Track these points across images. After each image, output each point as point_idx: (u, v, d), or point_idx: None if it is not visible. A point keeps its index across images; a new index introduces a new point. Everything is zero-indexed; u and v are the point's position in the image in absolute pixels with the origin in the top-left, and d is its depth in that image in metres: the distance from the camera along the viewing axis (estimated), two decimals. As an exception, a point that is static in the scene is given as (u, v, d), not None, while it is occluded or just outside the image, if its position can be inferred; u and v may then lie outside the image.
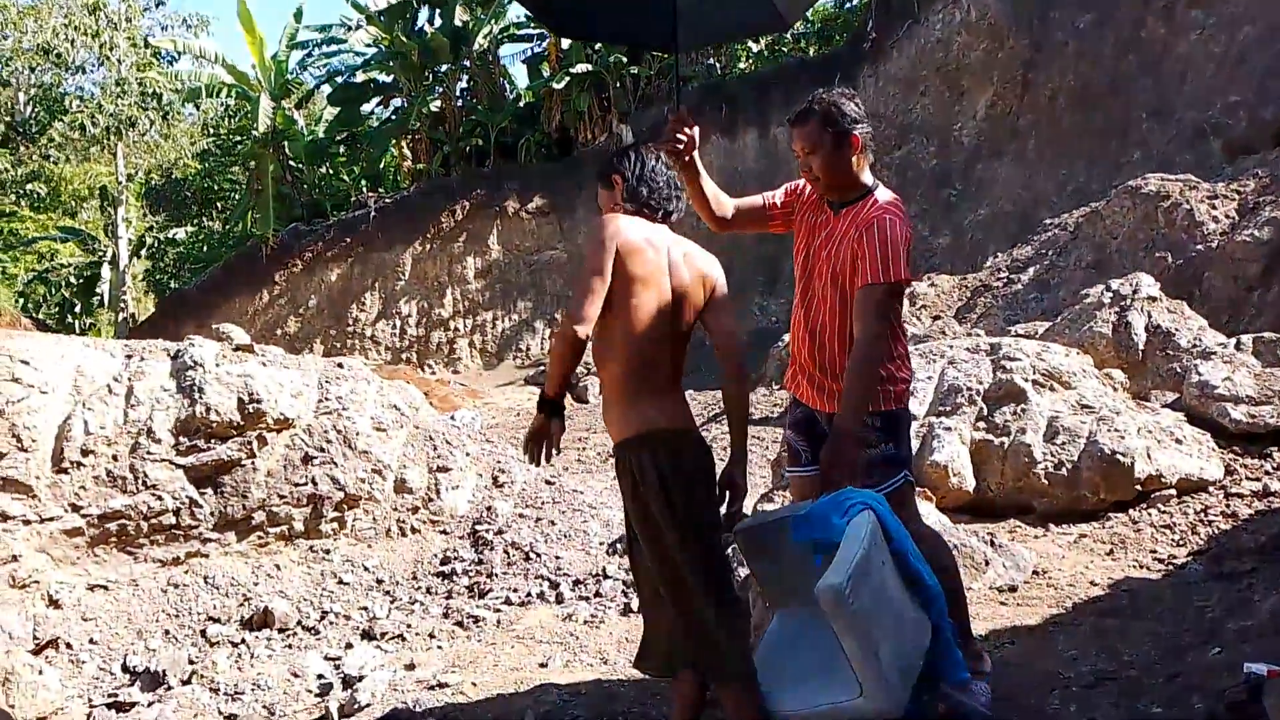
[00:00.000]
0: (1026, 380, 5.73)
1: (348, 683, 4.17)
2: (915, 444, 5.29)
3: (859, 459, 2.88)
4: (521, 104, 24.37)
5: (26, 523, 4.81)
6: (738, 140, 20.41)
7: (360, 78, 24.44)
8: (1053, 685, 3.23)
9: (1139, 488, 5.17)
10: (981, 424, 5.61)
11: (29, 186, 29.68)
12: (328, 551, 5.36)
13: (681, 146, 3.12)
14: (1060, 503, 5.27)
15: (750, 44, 22.73)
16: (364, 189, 25.03)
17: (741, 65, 23.41)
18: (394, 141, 24.96)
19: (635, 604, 4.83)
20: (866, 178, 3.06)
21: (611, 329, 2.66)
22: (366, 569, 5.33)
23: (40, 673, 4.29)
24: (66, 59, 26.71)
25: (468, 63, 23.76)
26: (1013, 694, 3.15)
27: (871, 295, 2.86)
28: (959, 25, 17.88)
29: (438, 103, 24.18)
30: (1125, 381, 6.22)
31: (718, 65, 23.08)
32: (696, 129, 3.17)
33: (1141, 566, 4.57)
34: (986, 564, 4.45)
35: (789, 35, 22.49)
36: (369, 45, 23.66)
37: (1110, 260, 9.70)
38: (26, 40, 27.19)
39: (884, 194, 3.07)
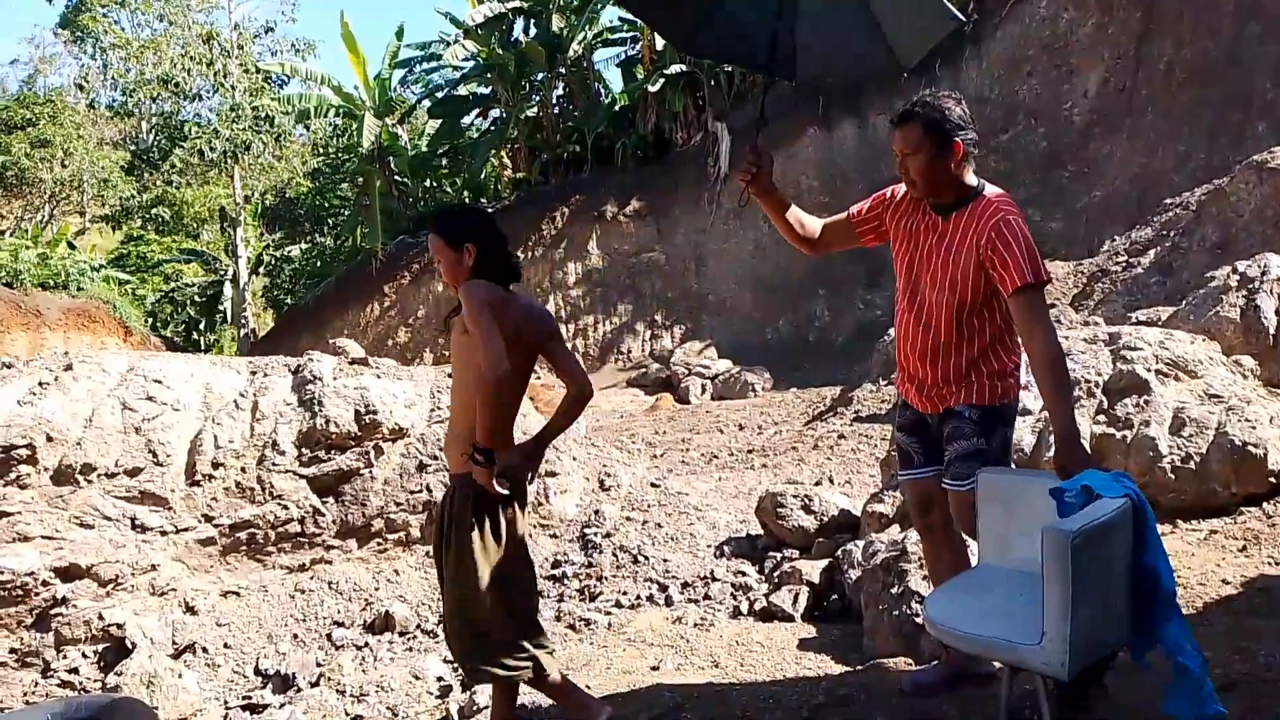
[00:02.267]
0: (1149, 370, 5.49)
1: (466, 685, 4.28)
2: (1032, 439, 5.13)
3: (989, 447, 2.96)
4: (617, 108, 24.57)
5: (164, 533, 5.09)
6: (835, 131, 20.12)
7: (459, 91, 25.05)
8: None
9: (1273, 480, 4.89)
10: (1102, 417, 5.40)
11: (154, 211, 31.41)
12: (443, 557, 5.50)
13: (751, 178, 3.12)
14: (1188, 498, 5.03)
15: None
16: (467, 200, 25.60)
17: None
18: (494, 152, 25.47)
19: (745, 607, 4.83)
20: (971, 179, 2.98)
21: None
22: (480, 573, 5.46)
23: (180, 676, 4.54)
24: (185, 88, 28.18)
25: (563, 70, 24.08)
26: (1141, 697, 3.03)
27: (1033, 296, 2.82)
28: (1066, 1, 17.23)
29: (535, 111, 24.58)
30: (1256, 368, 5.89)
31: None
32: (770, 160, 3.16)
33: (1277, 564, 4.33)
34: (1110, 563, 4.29)
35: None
36: (467, 59, 24.22)
37: (1236, 240, 9.21)
38: (148, 72, 28.79)
39: (993, 191, 2.99)
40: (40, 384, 5.27)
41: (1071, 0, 17.11)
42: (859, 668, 3.84)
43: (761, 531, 5.60)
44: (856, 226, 3.27)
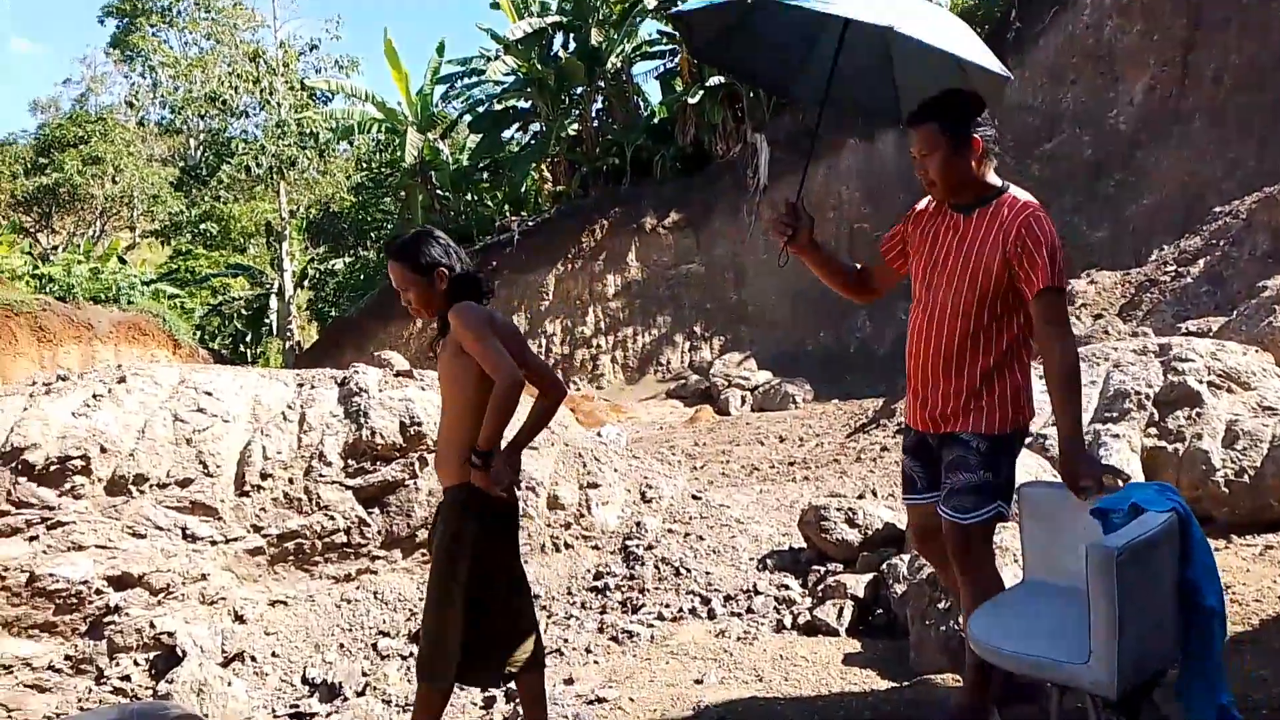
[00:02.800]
0: (1201, 382, 5.39)
1: (510, 696, 4.29)
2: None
3: (994, 480, 2.86)
4: (656, 120, 24.66)
5: (213, 543, 5.18)
6: (876, 143, 20.02)
7: (500, 106, 25.28)
8: (1240, 707, 3.02)
9: (1333, 495, 4.78)
10: (1153, 430, 5.32)
11: (202, 226, 32.02)
12: (486, 568, 5.53)
13: (790, 237, 3.11)
14: (1243, 512, 4.93)
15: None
16: (507, 213, 25.81)
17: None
18: (534, 165, 25.66)
19: (788, 621, 4.80)
20: (993, 179, 2.92)
21: (482, 394, 2.93)
22: (523, 584, 5.48)
23: (229, 684, 4.61)
24: (232, 105, 28.75)
25: (602, 83, 24.22)
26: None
27: (1054, 301, 2.76)
28: (1110, 8, 17.01)
29: (575, 125, 24.75)
30: (1313, 380, 5.77)
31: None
32: (809, 219, 3.14)
33: (1339, 581, 4.22)
34: (1163, 579, 4.20)
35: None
36: (508, 74, 24.44)
37: (1290, 249, 9.02)
38: (196, 90, 29.41)
39: (1020, 192, 2.92)
40: (95, 396, 5.39)
41: (1116, 8, 16.89)
42: (905, 684, 3.80)
43: (804, 545, 5.57)
44: (886, 255, 3.21)
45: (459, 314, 2.94)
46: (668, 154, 23.27)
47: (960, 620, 3.18)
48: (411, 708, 3.13)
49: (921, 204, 3.11)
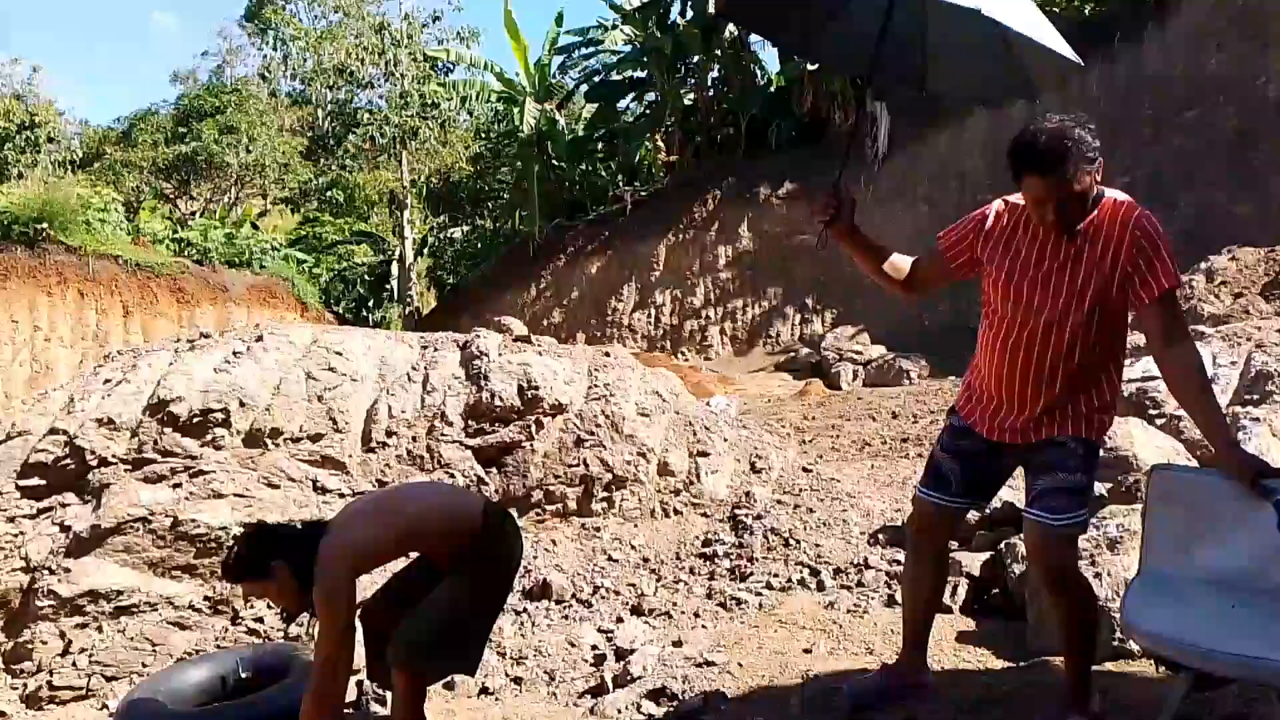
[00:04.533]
0: (1353, 365, 5.07)
1: (620, 655, 4.38)
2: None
3: (1089, 485, 2.84)
4: (773, 89, 24.30)
5: (341, 495, 5.41)
6: (1006, 109, 19.29)
7: (616, 76, 25.34)
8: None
9: None
10: (1301, 414, 5.03)
11: (329, 194, 33.20)
12: (598, 529, 5.64)
13: (830, 220, 3.03)
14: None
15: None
16: (620, 184, 25.91)
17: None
18: (648, 135, 25.66)
19: (899, 595, 4.75)
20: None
21: None
22: (634, 547, 5.57)
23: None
24: (358, 76, 29.60)
25: (719, 52, 23.99)
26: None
27: (1175, 301, 2.69)
28: (1261, -31, 15.95)
29: (691, 95, 24.61)
30: None
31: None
32: (852, 202, 3.06)
33: None
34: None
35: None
36: (625, 43, 24.44)
37: None
38: (325, 61, 30.38)
39: (1115, 193, 2.78)
40: (234, 353, 5.70)
41: (1268, -32, 15.83)
42: (1022, 664, 3.73)
43: (916, 521, 5.48)
44: (946, 254, 3.05)
45: (322, 578, 2.95)
46: (784, 124, 22.92)
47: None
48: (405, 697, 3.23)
49: (992, 212, 2.95)
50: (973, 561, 4.72)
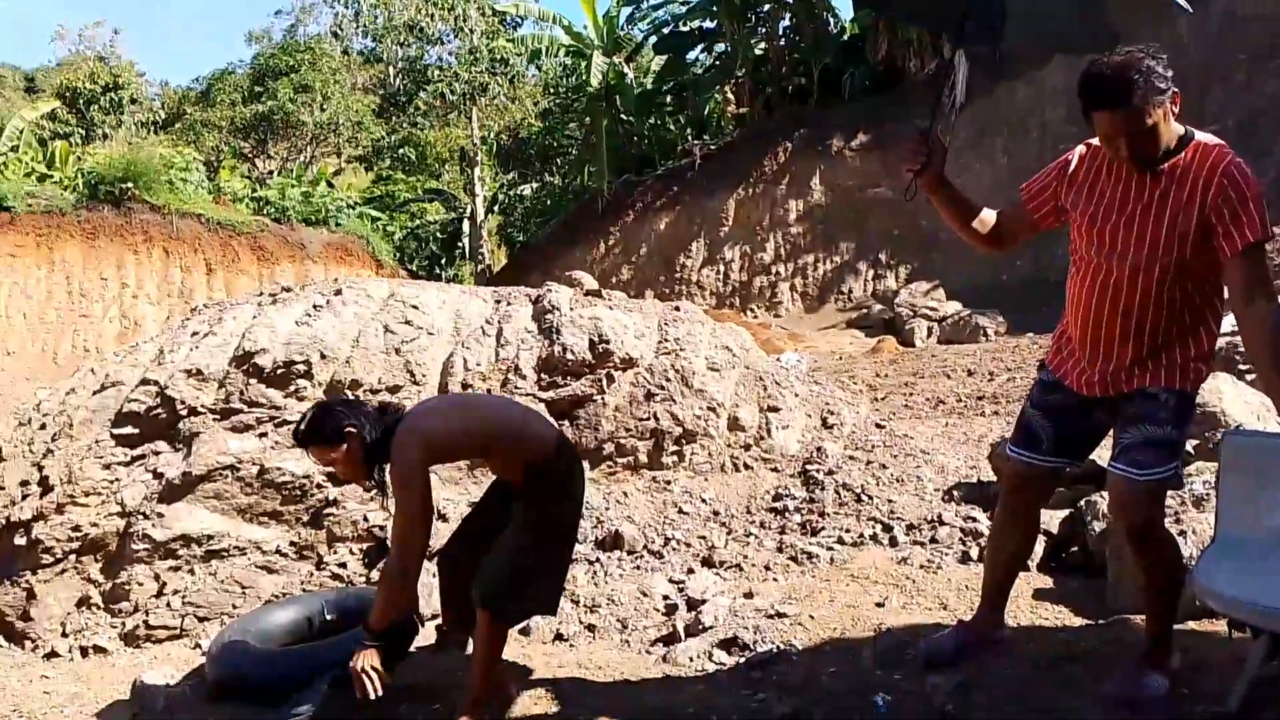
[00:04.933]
0: None
1: (691, 605, 4.43)
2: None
3: (1180, 439, 2.73)
4: (846, 37, 23.74)
5: (419, 447, 5.54)
6: (1087, 56, 18.57)
7: (685, 27, 25.00)
8: None
9: None
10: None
11: (401, 152, 33.60)
12: (668, 482, 5.68)
13: (919, 169, 2.96)
14: None
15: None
16: (689, 137, 25.69)
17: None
18: (718, 87, 25.33)
19: (974, 553, 4.71)
20: (1177, 126, 2.65)
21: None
22: (704, 500, 5.60)
23: (434, 575, 4.95)
24: (428, 33, 29.75)
25: (790, 0, 23.49)
26: None
27: (1261, 254, 2.55)
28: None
29: (761, 45, 24.18)
30: None
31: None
32: (943, 151, 2.99)
33: None
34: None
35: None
36: (694, -7, 24.12)
37: None
38: (395, 19, 30.58)
39: (1207, 138, 2.66)
40: (315, 307, 5.83)
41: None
42: (1100, 622, 3.67)
43: (995, 478, 5.40)
44: (1029, 204, 2.98)
45: (399, 456, 3.02)
46: (858, 72, 22.40)
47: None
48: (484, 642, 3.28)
49: (1075, 157, 2.88)
50: (1050, 519, 4.64)
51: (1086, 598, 3.96)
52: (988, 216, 3.08)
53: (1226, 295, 2.70)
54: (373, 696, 2.97)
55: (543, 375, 5.71)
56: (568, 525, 3.38)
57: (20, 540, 5.02)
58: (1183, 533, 3.64)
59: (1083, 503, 4.50)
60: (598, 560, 5.06)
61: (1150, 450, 2.70)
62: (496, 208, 31.51)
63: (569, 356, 5.69)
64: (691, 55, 26.15)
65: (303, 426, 3.17)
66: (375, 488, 3.20)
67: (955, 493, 5.44)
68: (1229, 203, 2.55)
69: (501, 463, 3.38)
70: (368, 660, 3.01)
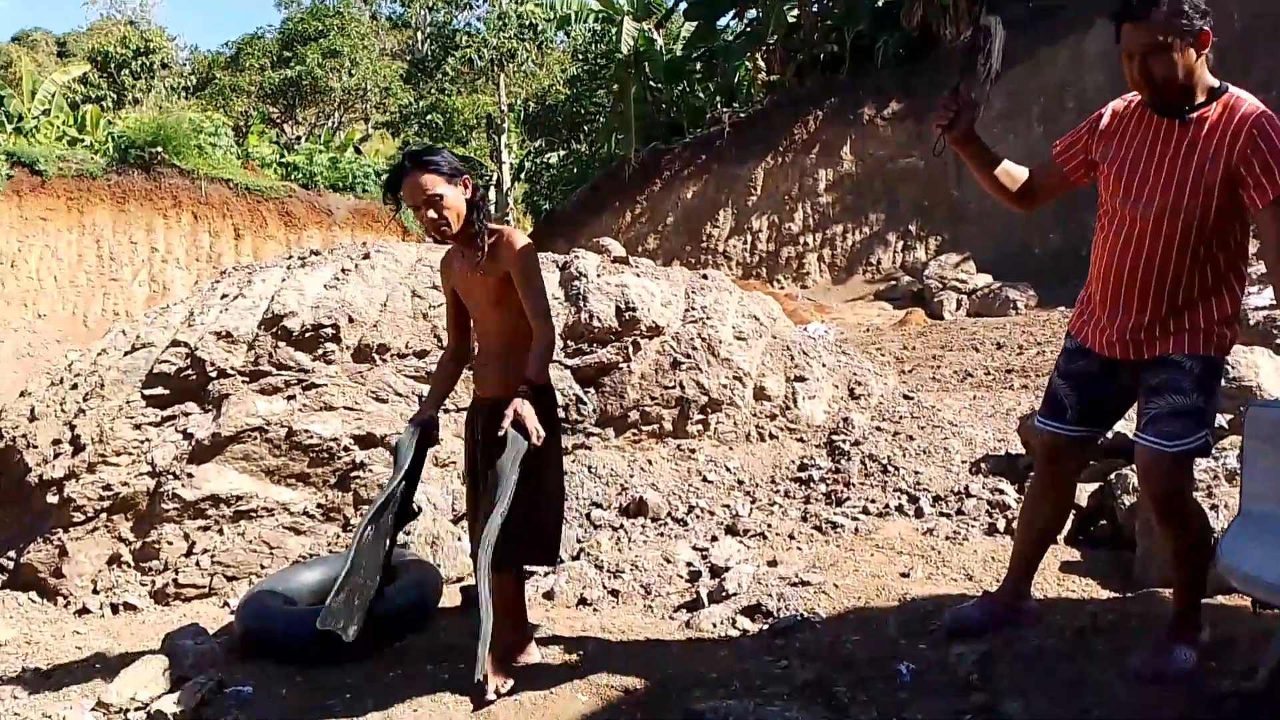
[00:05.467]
0: None
1: (715, 572, 4.44)
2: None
3: (1207, 407, 2.71)
4: (880, 3, 23.33)
5: (445, 411, 5.56)
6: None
7: (716, -8, 24.63)
8: None
9: None
10: None
11: (428, 118, 33.54)
12: (693, 451, 5.68)
13: (948, 124, 2.97)
14: None
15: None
16: (718, 105, 25.40)
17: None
18: (748, 54, 24.99)
19: (1001, 525, 4.67)
20: (1211, 79, 2.63)
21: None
22: (728, 469, 5.59)
23: (459, 539, 5.00)
24: (456, -4, 29.59)
25: (823, -35, 23.13)
26: None
27: None
28: None
29: (794, 11, 23.81)
30: None
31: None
32: (972, 107, 2.99)
33: None
34: None
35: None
36: (726, -42, 23.74)
37: None
38: (424, -18, 30.44)
39: (1242, 93, 2.63)
40: (343, 270, 5.84)
41: None
42: (1128, 595, 3.64)
43: (1023, 450, 5.36)
44: (1059, 158, 2.99)
45: (529, 253, 3.13)
46: (891, 40, 22.00)
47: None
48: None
49: (1108, 112, 2.88)
50: (1080, 492, 4.59)
51: (1114, 571, 3.93)
52: (1016, 172, 3.08)
53: (1257, 250, 2.66)
54: (535, 441, 3.02)
55: (569, 342, 5.70)
56: (556, 459, 3.48)
57: (53, 498, 5.10)
58: (1214, 506, 3.60)
59: (1113, 476, 4.46)
60: (622, 526, 5.08)
61: (1178, 420, 2.67)
62: (523, 175, 31.42)
63: (595, 324, 5.68)
64: (722, 22, 25.77)
65: (429, 152, 3.17)
66: (453, 239, 3.20)
67: (983, 465, 5.40)
68: (1259, 154, 2.52)
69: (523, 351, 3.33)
70: (529, 408, 3.07)
